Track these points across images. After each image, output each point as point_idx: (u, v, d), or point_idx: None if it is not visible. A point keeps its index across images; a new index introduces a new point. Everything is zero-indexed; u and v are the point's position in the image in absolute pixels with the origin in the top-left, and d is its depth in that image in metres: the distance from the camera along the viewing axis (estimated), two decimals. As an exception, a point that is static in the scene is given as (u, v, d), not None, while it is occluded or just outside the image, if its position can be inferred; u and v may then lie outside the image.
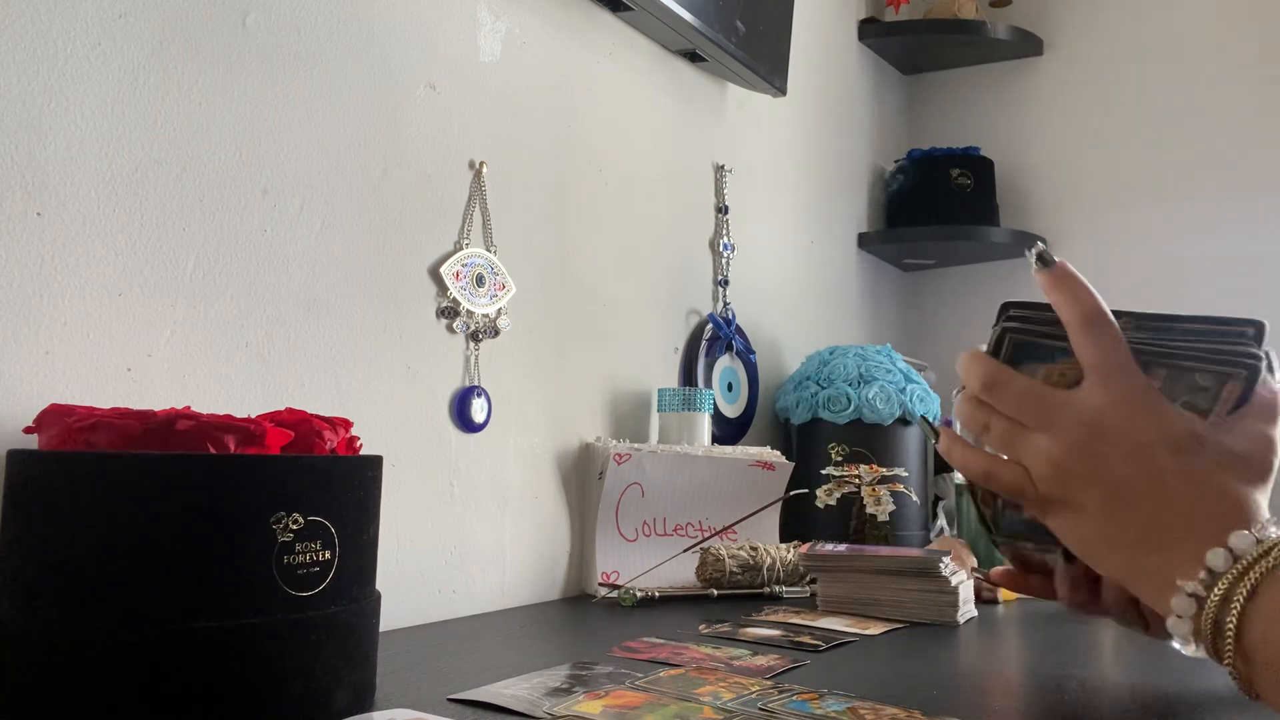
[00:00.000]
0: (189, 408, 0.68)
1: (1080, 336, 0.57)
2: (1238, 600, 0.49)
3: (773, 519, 1.32)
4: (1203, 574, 0.51)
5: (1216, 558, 0.50)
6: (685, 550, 1.20)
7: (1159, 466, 0.54)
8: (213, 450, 0.60)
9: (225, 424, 0.61)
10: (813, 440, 1.51)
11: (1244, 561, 0.50)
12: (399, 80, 1.00)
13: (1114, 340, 0.57)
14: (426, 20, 1.03)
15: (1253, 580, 0.49)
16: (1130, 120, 2.02)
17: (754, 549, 1.17)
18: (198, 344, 0.82)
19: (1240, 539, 0.50)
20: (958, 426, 0.64)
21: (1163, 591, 0.52)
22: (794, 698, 0.66)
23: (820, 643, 0.88)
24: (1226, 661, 0.50)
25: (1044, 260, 0.60)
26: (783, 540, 1.32)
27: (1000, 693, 0.74)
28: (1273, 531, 0.51)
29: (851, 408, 1.47)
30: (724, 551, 1.15)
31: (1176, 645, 0.52)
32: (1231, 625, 0.49)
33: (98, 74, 0.76)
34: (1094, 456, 0.55)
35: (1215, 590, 0.50)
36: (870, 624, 0.97)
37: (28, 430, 0.64)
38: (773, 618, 1.00)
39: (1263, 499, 0.55)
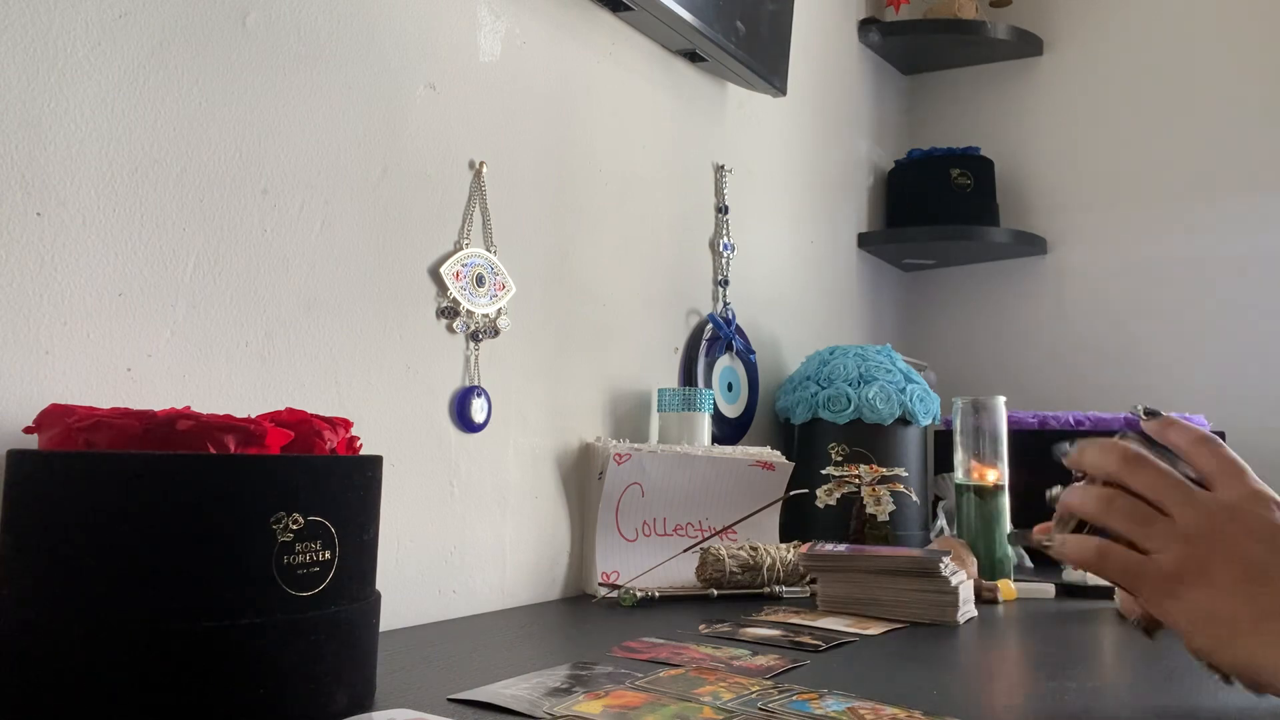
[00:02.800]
0: (189, 408, 0.68)
1: (1202, 450, 0.61)
2: None
3: (773, 519, 1.32)
4: None
5: None
6: (685, 550, 1.20)
7: None
8: (213, 450, 0.60)
9: (225, 424, 0.61)
10: (813, 440, 1.51)
11: None
12: (399, 80, 1.00)
13: (1230, 453, 0.60)
14: (426, 20, 1.04)
15: None
16: (1130, 120, 2.02)
17: (754, 549, 1.17)
18: (198, 344, 0.82)
19: None
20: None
21: None
22: (794, 698, 0.66)
23: (820, 643, 0.88)
24: None
25: (1151, 413, 0.65)
26: (783, 540, 1.32)
27: (1000, 693, 0.74)
28: None
29: (851, 408, 1.47)
30: (724, 551, 1.15)
31: None
32: None
33: (98, 74, 0.76)
34: (1229, 538, 0.57)
35: None
36: (870, 624, 0.97)
37: (28, 430, 0.64)
38: (773, 618, 1.00)
39: None
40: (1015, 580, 1.23)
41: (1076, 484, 0.64)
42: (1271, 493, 0.59)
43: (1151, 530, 0.59)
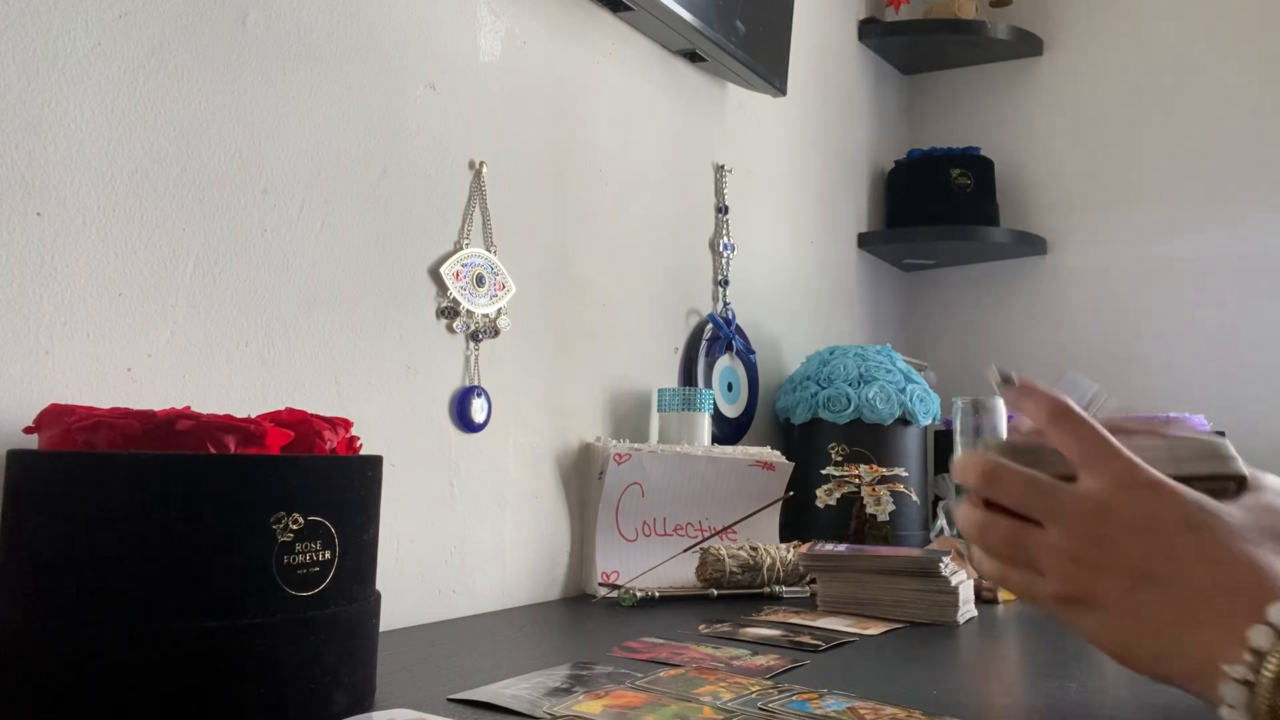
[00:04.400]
0: (189, 408, 0.68)
1: (1058, 430, 0.56)
2: None
3: (773, 519, 1.32)
4: (1247, 655, 0.47)
5: (1259, 635, 0.47)
6: (685, 550, 1.20)
7: (1175, 541, 0.51)
8: (213, 450, 0.60)
9: (225, 424, 0.61)
10: (813, 440, 1.51)
11: None
12: (399, 80, 1.00)
13: (1092, 426, 0.55)
14: (426, 20, 1.03)
15: None
16: (1130, 120, 2.02)
17: (754, 549, 1.17)
18: (198, 344, 0.82)
19: (1279, 612, 0.47)
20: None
21: (1206, 676, 0.49)
22: (794, 698, 0.66)
23: (820, 643, 0.88)
24: None
25: (1006, 380, 0.59)
26: (783, 540, 1.32)
27: (1000, 693, 0.74)
28: None
29: (851, 408, 1.47)
30: (724, 551, 1.15)
31: None
32: None
33: (98, 74, 0.76)
34: (1105, 541, 0.52)
35: (1265, 672, 0.46)
36: (870, 624, 0.97)
37: (28, 430, 0.64)
38: (773, 618, 1.00)
39: None
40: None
41: (964, 500, 0.60)
42: (1141, 465, 0.53)
43: (1029, 553, 0.55)
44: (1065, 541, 0.53)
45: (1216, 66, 1.95)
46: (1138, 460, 0.54)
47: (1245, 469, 0.58)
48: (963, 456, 0.59)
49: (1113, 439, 0.55)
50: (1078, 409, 0.56)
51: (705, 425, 1.31)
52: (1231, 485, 0.57)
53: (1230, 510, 0.53)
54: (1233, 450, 0.59)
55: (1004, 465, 0.56)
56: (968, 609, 1.04)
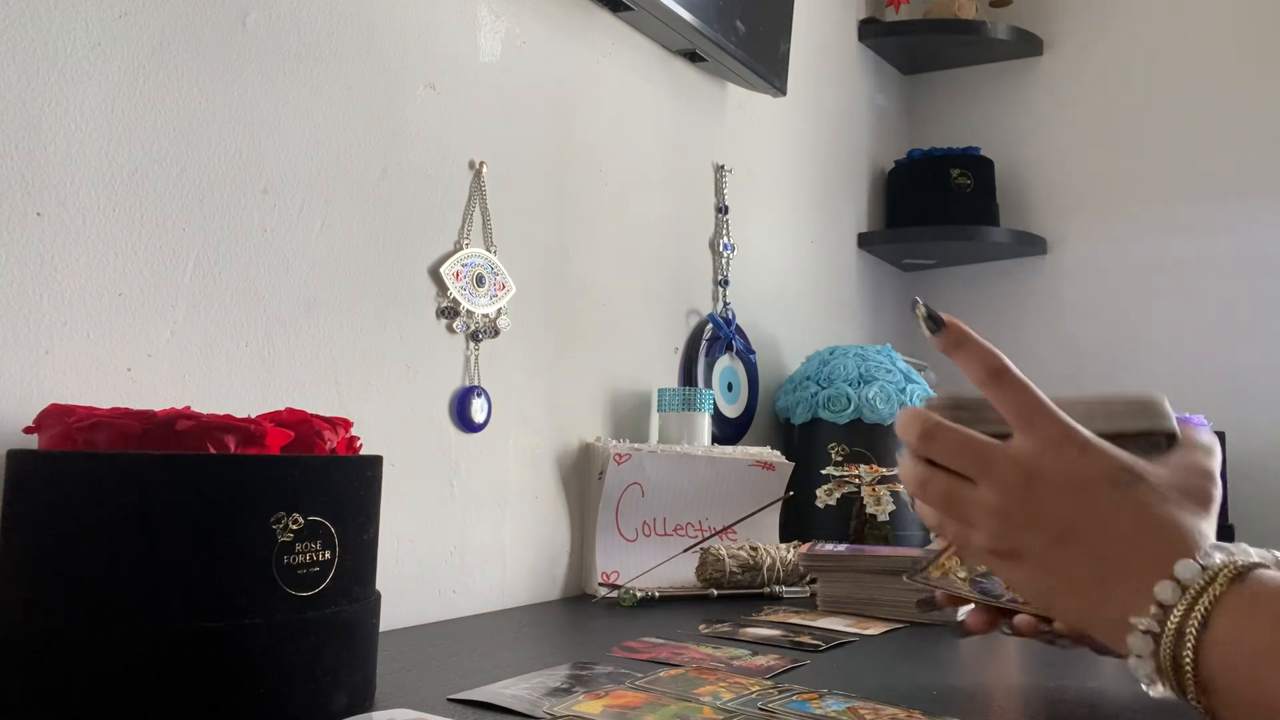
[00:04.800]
0: (189, 408, 0.68)
1: (993, 390, 0.57)
2: (1191, 632, 0.48)
3: (773, 519, 1.32)
4: (1154, 608, 0.49)
5: (1165, 590, 0.49)
6: (685, 550, 1.20)
7: (1099, 501, 0.53)
8: (213, 450, 0.60)
9: (225, 424, 0.61)
10: (813, 440, 1.50)
11: (1192, 591, 0.48)
12: (399, 80, 1.00)
13: (1026, 386, 0.57)
14: (426, 20, 1.03)
15: (1203, 610, 0.48)
16: (1130, 120, 2.02)
17: (754, 549, 1.17)
18: (198, 344, 0.82)
19: (1185, 568, 0.49)
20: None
21: (1119, 631, 0.51)
22: (794, 698, 0.66)
23: (820, 643, 0.88)
24: (1191, 698, 0.49)
25: (934, 321, 0.59)
26: (783, 540, 1.32)
27: (1000, 693, 0.74)
28: (1218, 557, 0.50)
29: (851, 408, 1.47)
30: (724, 551, 1.15)
31: (1145, 687, 0.51)
32: (1189, 659, 0.48)
33: (98, 74, 0.76)
34: (1033, 499, 0.55)
35: (1169, 624, 0.49)
36: (870, 624, 0.97)
37: (28, 430, 0.64)
38: (773, 618, 1.00)
39: (1207, 527, 0.54)
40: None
41: (904, 454, 0.62)
42: (1072, 426, 0.55)
43: (963, 509, 0.57)
44: (995, 499, 0.56)
45: (1216, 66, 1.95)
46: (1070, 421, 0.56)
47: (1176, 426, 0.60)
48: (904, 413, 0.60)
49: (1046, 399, 0.56)
50: (1013, 368, 0.58)
51: (705, 425, 1.31)
52: (1163, 441, 0.59)
53: (1156, 470, 0.55)
54: (1167, 408, 0.60)
55: (940, 424, 0.58)
56: (968, 609, 1.03)
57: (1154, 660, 0.49)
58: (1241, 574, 0.49)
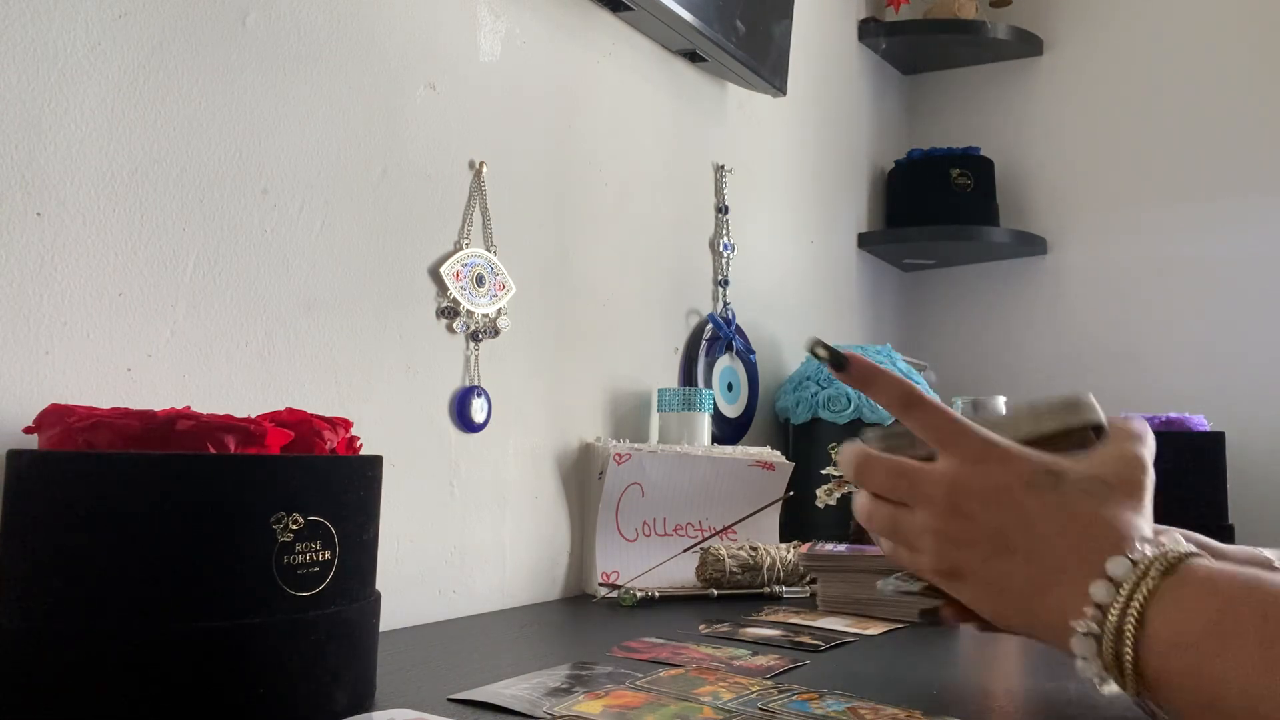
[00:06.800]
0: (189, 408, 0.68)
1: (909, 417, 0.58)
2: (1129, 629, 0.48)
3: (773, 519, 1.32)
4: (1091, 610, 0.49)
5: (1099, 590, 0.49)
6: (685, 550, 1.20)
7: (1022, 507, 0.54)
8: (213, 450, 0.60)
9: (225, 424, 0.61)
10: (813, 440, 1.51)
11: (1125, 587, 0.49)
12: (399, 80, 1.00)
13: (938, 408, 0.58)
14: (426, 20, 1.03)
15: (1138, 606, 0.48)
16: (1130, 120, 2.02)
17: (754, 549, 1.17)
18: (198, 344, 0.82)
19: (1117, 565, 0.49)
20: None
21: (1063, 634, 0.51)
22: (794, 698, 0.66)
23: (820, 643, 0.88)
24: (1135, 693, 0.48)
25: (836, 363, 0.60)
26: (783, 540, 1.32)
27: (1000, 693, 0.74)
28: (1148, 550, 0.50)
29: (851, 408, 1.47)
30: (724, 551, 1.15)
31: (1097, 686, 0.50)
32: (1129, 655, 0.48)
33: (98, 74, 0.76)
34: (962, 515, 0.55)
35: (1108, 623, 0.48)
36: (870, 624, 0.97)
37: (28, 430, 0.64)
38: (773, 618, 1.00)
39: (1137, 518, 0.53)
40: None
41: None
42: (992, 440, 0.56)
43: (905, 534, 0.58)
44: (929, 520, 0.57)
45: (1216, 66, 1.95)
46: (988, 434, 0.57)
47: (1102, 418, 0.60)
48: (845, 450, 0.61)
49: (963, 419, 0.58)
50: (926, 393, 0.59)
51: (705, 425, 1.31)
52: (1090, 435, 0.59)
53: (1076, 467, 0.55)
54: (1092, 401, 0.60)
55: (870, 455, 0.60)
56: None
57: (1099, 660, 0.49)
58: (1173, 566, 0.49)
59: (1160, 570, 0.48)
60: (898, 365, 1.54)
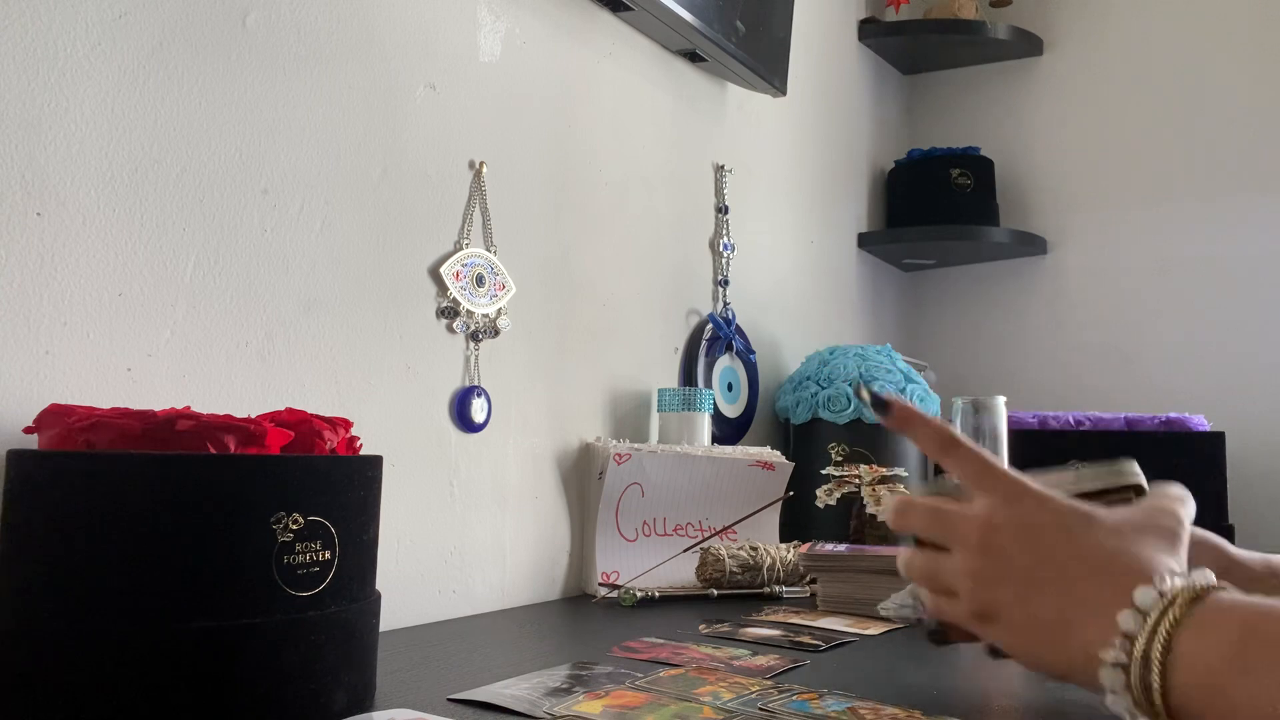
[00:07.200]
0: (189, 408, 0.68)
1: (947, 459, 0.60)
2: (1156, 658, 0.48)
3: (773, 519, 1.32)
4: (1119, 639, 0.50)
5: (1127, 619, 0.49)
6: (685, 550, 1.20)
7: (1055, 547, 0.55)
8: (213, 450, 0.60)
9: (225, 424, 0.61)
10: (813, 440, 1.50)
11: (1153, 616, 0.49)
12: (399, 80, 1.00)
13: (975, 451, 0.59)
14: (426, 20, 1.03)
15: (1165, 633, 0.48)
16: (1130, 120, 2.02)
17: (754, 549, 1.17)
18: (198, 344, 0.82)
19: (1144, 595, 0.50)
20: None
21: (1092, 668, 0.51)
22: (794, 698, 0.66)
23: (820, 643, 0.88)
24: None
25: (879, 406, 0.62)
26: (783, 540, 1.32)
27: (1000, 693, 0.74)
28: (1176, 581, 0.50)
29: (851, 408, 1.47)
30: (724, 551, 1.15)
31: None
32: (1157, 684, 0.48)
33: (98, 74, 0.76)
34: (995, 554, 0.56)
35: (1135, 653, 0.49)
36: (870, 624, 0.97)
37: (28, 430, 0.64)
38: (773, 618, 1.00)
39: (1169, 560, 0.54)
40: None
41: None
42: (1026, 482, 0.57)
43: (942, 578, 0.59)
44: (963, 561, 0.57)
45: (1216, 66, 1.95)
46: (1023, 478, 0.58)
47: (1144, 481, 0.62)
48: (885, 499, 0.62)
49: (997, 461, 0.59)
50: (962, 436, 0.60)
51: (705, 425, 1.31)
52: (1131, 495, 0.61)
53: (1110, 513, 0.57)
54: (1137, 469, 0.62)
55: (908, 499, 0.61)
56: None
57: (1128, 694, 0.49)
58: (1199, 596, 0.49)
59: (1187, 599, 0.49)
60: (898, 365, 1.54)
